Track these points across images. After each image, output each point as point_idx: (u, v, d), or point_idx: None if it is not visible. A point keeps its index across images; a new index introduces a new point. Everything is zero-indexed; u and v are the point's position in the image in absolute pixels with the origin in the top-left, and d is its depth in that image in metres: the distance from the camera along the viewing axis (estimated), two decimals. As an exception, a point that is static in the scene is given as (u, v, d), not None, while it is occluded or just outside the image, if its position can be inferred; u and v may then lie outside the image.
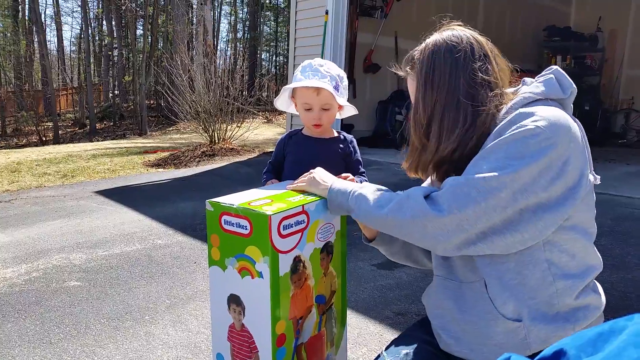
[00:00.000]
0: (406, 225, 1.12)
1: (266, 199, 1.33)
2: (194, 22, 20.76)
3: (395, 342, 1.37)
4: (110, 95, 23.95)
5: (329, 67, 1.73)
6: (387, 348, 1.34)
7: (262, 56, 32.62)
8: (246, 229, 1.27)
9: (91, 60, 23.14)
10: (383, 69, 8.27)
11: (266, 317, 1.28)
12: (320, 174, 1.42)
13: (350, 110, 1.78)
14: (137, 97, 16.81)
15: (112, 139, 15.34)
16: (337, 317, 1.54)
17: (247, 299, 1.33)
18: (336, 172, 1.71)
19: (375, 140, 8.00)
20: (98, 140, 14.93)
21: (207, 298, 2.08)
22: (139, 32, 22.40)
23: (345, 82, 1.76)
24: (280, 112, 19.61)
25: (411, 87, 1.21)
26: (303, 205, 1.31)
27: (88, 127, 18.01)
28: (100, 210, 4.13)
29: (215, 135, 7.74)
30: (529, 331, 1.09)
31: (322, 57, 6.93)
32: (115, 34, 22.87)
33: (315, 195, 1.38)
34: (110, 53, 24.03)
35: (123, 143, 11.47)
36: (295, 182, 1.47)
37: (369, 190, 1.24)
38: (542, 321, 1.09)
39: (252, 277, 1.29)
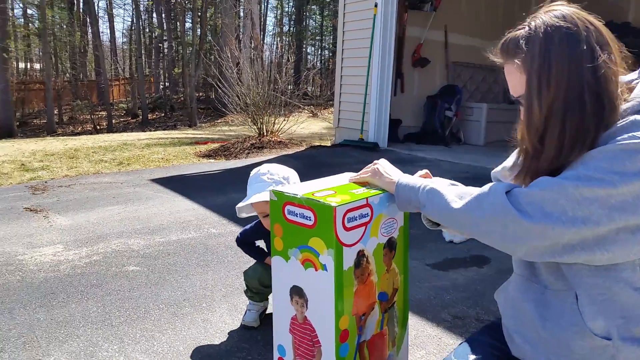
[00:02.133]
0: (485, 224, 1.03)
1: (330, 190, 1.32)
2: (242, 15, 21.02)
3: (462, 347, 1.32)
4: (161, 86, 24.57)
5: (273, 172, 1.85)
6: (454, 353, 1.30)
7: (308, 50, 32.70)
8: (310, 219, 1.26)
9: (142, 52, 23.82)
10: (432, 63, 8.12)
11: (330, 311, 1.27)
12: (384, 165, 1.37)
13: None
14: (187, 89, 17.18)
15: (163, 130, 15.77)
16: (398, 317, 1.52)
17: (311, 291, 1.32)
18: None
19: (424, 137, 7.87)
20: (150, 130, 15.38)
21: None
22: (188, 24, 22.89)
23: (294, 178, 1.90)
24: (326, 107, 19.64)
25: (514, 78, 1.07)
26: (367, 198, 1.29)
27: (140, 117, 18.56)
28: (156, 198, 4.25)
29: (264, 128, 7.81)
30: (618, 351, 1.01)
31: (370, 51, 6.92)
32: (165, 27, 23.45)
33: (378, 188, 1.36)
34: (160, 45, 24.65)
35: (174, 134, 11.76)
36: (359, 173, 1.45)
37: (442, 184, 1.18)
38: (634, 343, 1.01)
39: (316, 270, 1.29)
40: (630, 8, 10.48)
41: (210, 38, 22.03)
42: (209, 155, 7.01)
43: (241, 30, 18.99)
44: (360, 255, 1.30)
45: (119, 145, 7.83)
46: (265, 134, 7.80)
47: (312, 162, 6.07)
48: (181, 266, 2.76)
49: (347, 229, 1.24)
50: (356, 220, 1.27)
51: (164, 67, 24.82)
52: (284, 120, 8.11)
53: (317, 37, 33.31)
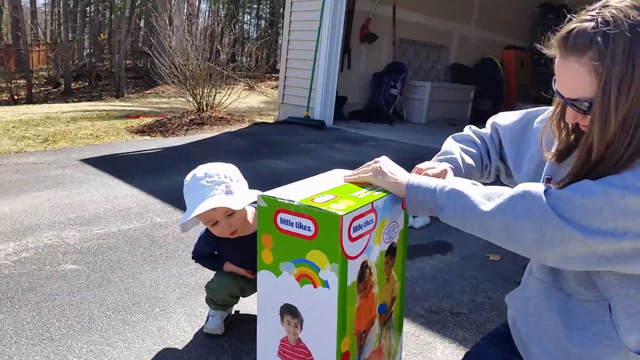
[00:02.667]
0: (519, 228, 0.93)
1: (329, 194, 1.13)
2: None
3: None
4: (85, 53, 22.98)
5: (211, 174, 1.60)
6: None
7: (244, 19, 31.67)
8: (309, 230, 1.07)
9: (66, 15, 22.06)
10: (379, 40, 7.99)
11: (331, 333, 1.10)
12: (387, 164, 1.21)
13: (252, 197, 1.63)
14: (115, 57, 16.12)
15: (88, 101, 14.76)
16: (395, 327, 1.38)
17: (306, 310, 1.14)
18: None
19: (369, 114, 7.79)
20: (73, 101, 14.34)
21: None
22: (117, -12, 21.40)
23: (236, 175, 1.65)
24: (262, 80, 19.12)
25: (576, 77, 0.93)
26: (372, 203, 1.12)
27: (62, 86, 17.27)
28: (89, 182, 3.86)
29: (204, 102, 7.41)
30: None
31: (320, 24, 6.65)
32: (91, -12, 21.83)
33: (379, 189, 1.19)
34: (87, 9, 22.96)
35: (101, 105, 10.98)
36: (357, 171, 1.27)
37: (464, 184, 1.04)
38: None
39: (315, 287, 1.11)
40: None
41: (139, 3, 20.72)
42: (143, 131, 6.55)
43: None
44: (364, 267, 1.14)
45: (42, 119, 7.16)
46: (205, 109, 7.40)
47: (258, 140, 5.81)
48: (126, 263, 2.47)
49: (352, 240, 1.07)
50: (361, 228, 1.09)
51: (90, 33, 23.15)
52: (226, 94, 7.72)
53: (254, 6, 32.31)
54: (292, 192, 1.14)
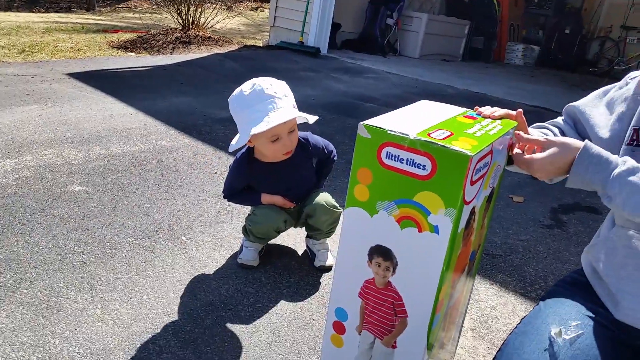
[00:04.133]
0: None
1: (442, 130, 1.00)
2: None
3: (553, 309, 1.14)
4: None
5: (277, 87, 1.52)
6: (544, 313, 1.12)
7: None
8: (425, 169, 0.94)
9: None
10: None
11: (433, 280, 1.00)
12: None
13: (303, 119, 1.60)
14: (85, -34, 14.89)
15: (55, 12, 13.72)
16: (473, 273, 1.30)
17: (404, 254, 1.04)
18: (311, 181, 1.79)
19: (362, 44, 7.51)
20: (40, 12, 13.31)
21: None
22: None
23: (291, 93, 1.58)
24: (241, 0, 18.15)
25: None
26: (492, 143, 1.00)
27: (26, -6, 15.97)
28: (80, 98, 3.58)
29: (189, 19, 6.95)
30: None
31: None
32: None
33: (491, 127, 1.07)
34: None
35: (72, 17, 10.23)
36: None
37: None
38: None
39: (420, 231, 0.99)
40: None
41: None
42: (125, 47, 6.13)
43: None
44: (472, 213, 1.02)
45: (13, 28, 6.61)
46: (191, 27, 6.96)
47: (253, 65, 5.52)
48: (139, 187, 2.31)
49: (472, 183, 0.95)
50: (480, 171, 0.97)
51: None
52: (212, 12, 7.25)
53: None
54: (399, 124, 1.00)
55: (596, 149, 0.99)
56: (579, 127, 1.24)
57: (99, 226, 1.95)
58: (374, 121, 1.00)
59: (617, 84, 1.19)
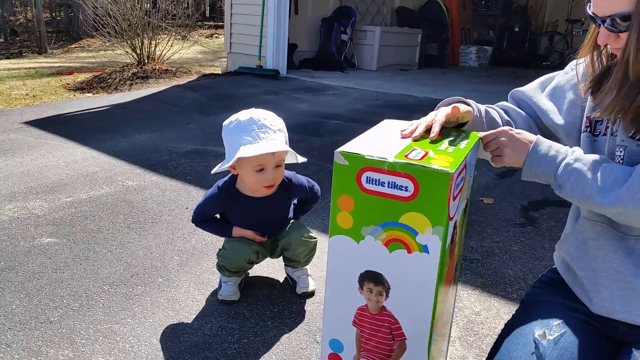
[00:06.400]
0: (637, 215, 0.92)
1: (417, 149, 1.01)
2: None
3: (532, 311, 1.17)
4: (-6, 5, 20.78)
5: (273, 120, 1.55)
6: (524, 317, 1.14)
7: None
8: (407, 190, 0.95)
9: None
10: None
11: (428, 299, 1.01)
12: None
13: (292, 158, 1.63)
14: (34, 10, 14.66)
15: (7, 58, 13.42)
16: (456, 282, 1.31)
17: (396, 277, 1.04)
18: (287, 220, 1.77)
19: (320, 62, 7.58)
20: (-11, 59, 12.99)
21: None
22: None
23: (284, 130, 1.60)
24: (195, 29, 18.14)
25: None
26: (466, 157, 1.01)
27: (-28, 43, 15.59)
28: (41, 146, 3.49)
29: (144, 54, 6.89)
30: None
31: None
32: None
33: (458, 141, 1.08)
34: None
35: (24, 63, 10.03)
36: (488, 133, 1.14)
37: (587, 162, 0.99)
38: None
39: (409, 252, 1.00)
40: None
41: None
42: (82, 88, 6.04)
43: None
44: (454, 227, 1.03)
45: (-38, 79, 6.43)
46: (146, 61, 6.90)
47: (213, 93, 5.49)
48: (109, 232, 2.26)
49: (454, 199, 0.96)
50: (459, 186, 0.99)
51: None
52: (167, 45, 7.20)
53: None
54: (373, 148, 1.00)
55: (545, 144, 1.04)
56: (525, 108, 1.28)
57: (73, 277, 1.89)
58: (349, 147, 1.00)
59: (562, 71, 1.24)
